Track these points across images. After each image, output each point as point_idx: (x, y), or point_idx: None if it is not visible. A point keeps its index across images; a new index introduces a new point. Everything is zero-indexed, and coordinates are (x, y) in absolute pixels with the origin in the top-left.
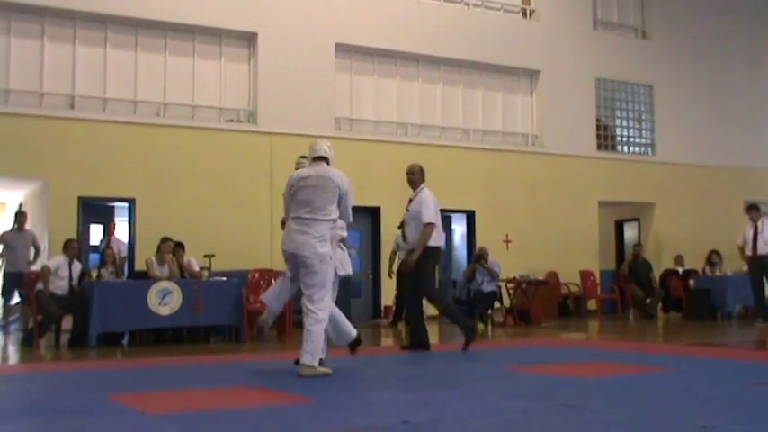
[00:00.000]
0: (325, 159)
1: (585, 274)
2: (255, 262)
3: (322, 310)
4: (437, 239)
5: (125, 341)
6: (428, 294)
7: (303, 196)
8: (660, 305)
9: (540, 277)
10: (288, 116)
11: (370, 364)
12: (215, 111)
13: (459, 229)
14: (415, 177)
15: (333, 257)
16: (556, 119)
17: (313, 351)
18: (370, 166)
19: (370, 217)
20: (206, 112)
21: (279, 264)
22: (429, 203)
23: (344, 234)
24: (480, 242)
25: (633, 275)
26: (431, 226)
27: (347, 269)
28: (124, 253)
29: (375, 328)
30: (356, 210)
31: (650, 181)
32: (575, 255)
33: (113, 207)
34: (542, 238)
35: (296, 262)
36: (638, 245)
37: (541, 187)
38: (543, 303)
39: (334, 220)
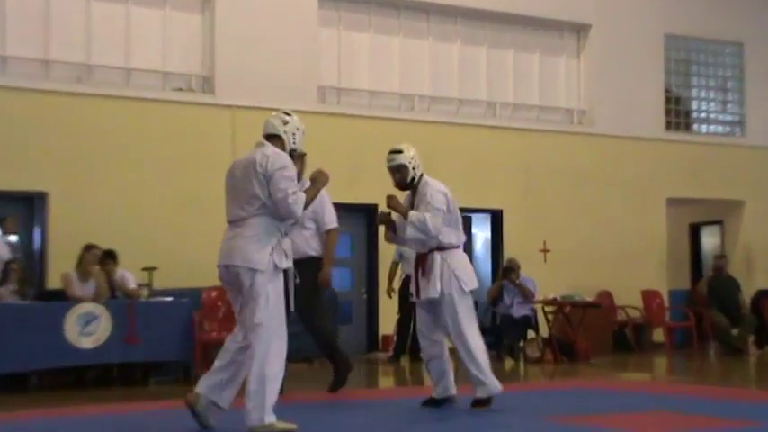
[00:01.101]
0: (275, 138)
1: (650, 295)
2: (213, 277)
3: (270, 347)
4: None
5: (32, 385)
6: (318, 317)
7: (231, 193)
8: (752, 337)
9: (589, 298)
10: (256, 84)
11: (372, 412)
12: (157, 76)
13: (481, 234)
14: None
15: (285, 268)
16: (610, 89)
17: (260, 405)
18: (364, 151)
19: (364, 217)
20: (145, 78)
21: None
22: (329, 203)
23: (453, 240)
24: (509, 252)
25: (714, 297)
26: (336, 231)
27: (470, 282)
28: (6, 256)
29: (371, 364)
30: (347, 208)
31: (738, 171)
32: (635, 269)
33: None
34: (592, 247)
35: (231, 282)
36: (722, 256)
37: (591, 180)
38: (593, 333)
39: (275, 215)
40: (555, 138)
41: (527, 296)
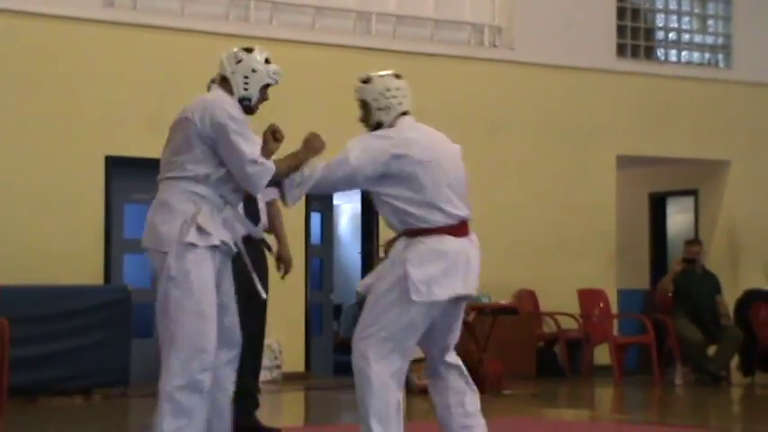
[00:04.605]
0: (224, 82)
1: (590, 297)
2: None
3: (182, 376)
4: None
5: None
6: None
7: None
8: (736, 358)
9: (503, 301)
10: None
11: None
12: None
13: (347, 206)
14: None
15: (214, 245)
16: None
17: None
18: (176, 78)
19: None
20: None
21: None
22: None
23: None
24: (388, 233)
25: (684, 300)
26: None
27: (428, 288)
28: None
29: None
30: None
31: (720, 118)
32: (569, 259)
33: None
34: (505, 227)
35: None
36: (696, 242)
37: (507, 128)
38: (507, 351)
39: (197, 178)
40: (456, 66)
41: None
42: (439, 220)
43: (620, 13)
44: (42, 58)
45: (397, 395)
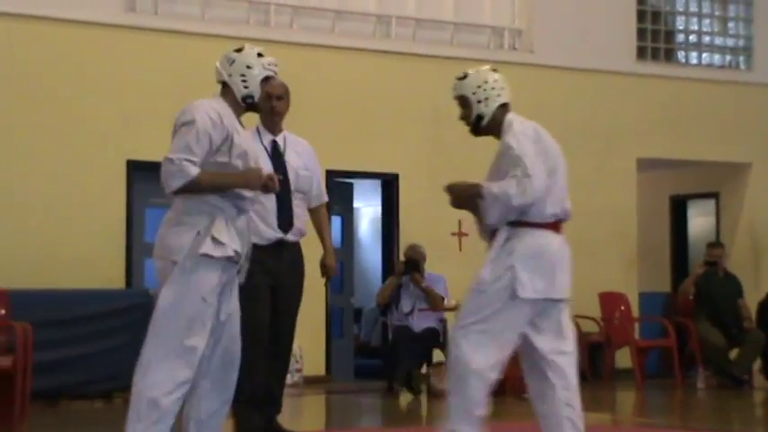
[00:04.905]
0: (224, 88)
1: (611, 300)
2: None
3: (154, 387)
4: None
5: None
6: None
7: None
8: (758, 362)
9: None
10: None
11: None
12: None
13: (367, 209)
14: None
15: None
16: (558, 1)
17: None
18: (196, 82)
19: None
20: None
21: None
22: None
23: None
24: (408, 235)
25: (705, 304)
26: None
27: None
28: None
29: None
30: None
31: (741, 121)
32: (590, 262)
33: None
34: None
35: None
36: (717, 245)
37: None
38: None
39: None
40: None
41: (436, 304)
42: (555, 212)
43: (641, 15)
44: (63, 62)
45: (485, 388)
